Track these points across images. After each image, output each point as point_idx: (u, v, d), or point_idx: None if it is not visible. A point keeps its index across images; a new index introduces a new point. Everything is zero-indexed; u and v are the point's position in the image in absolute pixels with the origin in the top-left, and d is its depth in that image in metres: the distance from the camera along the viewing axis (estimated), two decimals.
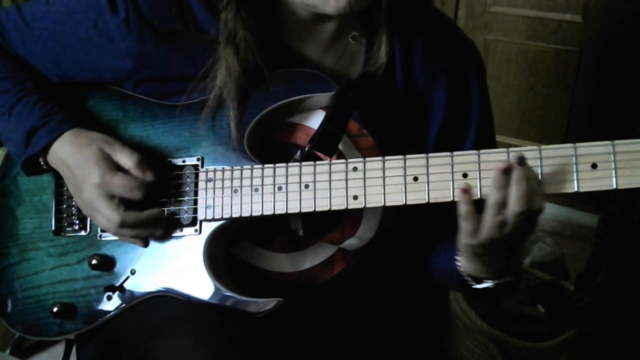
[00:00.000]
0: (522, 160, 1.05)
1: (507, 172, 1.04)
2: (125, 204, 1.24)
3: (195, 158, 1.28)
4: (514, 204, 1.05)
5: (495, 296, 1.27)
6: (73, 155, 1.26)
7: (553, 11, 3.10)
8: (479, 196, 1.10)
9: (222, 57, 1.23)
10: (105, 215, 1.25)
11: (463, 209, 1.09)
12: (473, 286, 1.24)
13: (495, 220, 1.08)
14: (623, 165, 1.05)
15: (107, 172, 1.23)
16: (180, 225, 1.28)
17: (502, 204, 1.06)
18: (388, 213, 1.31)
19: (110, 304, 1.32)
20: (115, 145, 1.26)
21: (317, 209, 1.18)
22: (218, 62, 1.23)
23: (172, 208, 1.28)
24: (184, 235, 1.28)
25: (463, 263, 1.23)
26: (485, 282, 1.22)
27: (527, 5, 3.15)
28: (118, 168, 1.25)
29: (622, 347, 2.28)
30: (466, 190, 1.07)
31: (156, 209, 1.26)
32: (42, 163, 1.33)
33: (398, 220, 1.34)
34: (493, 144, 1.36)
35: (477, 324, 2.32)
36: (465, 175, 1.10)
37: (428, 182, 1.12)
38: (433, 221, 1.35)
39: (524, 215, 1.06)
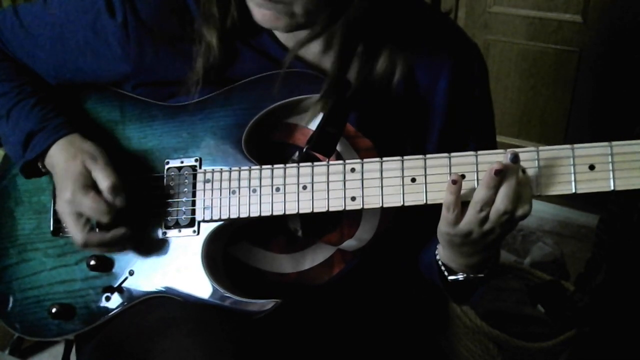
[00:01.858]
0: (515, 158, 1.06)
1: (499, 173, 1.05)
2: (92, 224, 1.25)
3: (193, 159, 1.28)
4: (499, 202, 1.06)
5: (466, 291, 1.29)
6: (60, 164, 1.27)
7: (553, 11, 3.10)
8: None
9: (202, 39, 1.24)
10: (70, 231, 1.26)
11: (448, 198, 1.09)
12: (447, 277, 1.25)
13: (477, 216, 1.08)
14: (621, 167, 1.04)
15: (80, 190, 1.23)
16: (178, 226, 1.28)
17: (488, 203, 1.07)
18: (387, 214, 1.31)
19: (109, 304, 1.32)
20: (98, 163, 1.26)
21: (315, 210, 1.18)
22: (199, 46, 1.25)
23: (169, 209, 1.29)
24: (182, 236, 1.28)
25: (440, 251, 1.24)
26: (458, 275, 1.24)
27: (527, 5, 3.15)
28: (95, 185, 1.25)
29: (622, 347, 2.28)
30: (455, 181, 1.07)
31: (122, 229, 1.26)
32: (40, 167, 1.33)
33: (397, 221, 1.34)
34: (494, 148, 1.36)
35: (477, 324, 2.33)
36: (463, 177, 1.10)
37: (426, 183, 1.12)
38: (431, 223, 1.35)
39: (507, 215, 1.07)
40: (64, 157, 1.26)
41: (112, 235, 1.25)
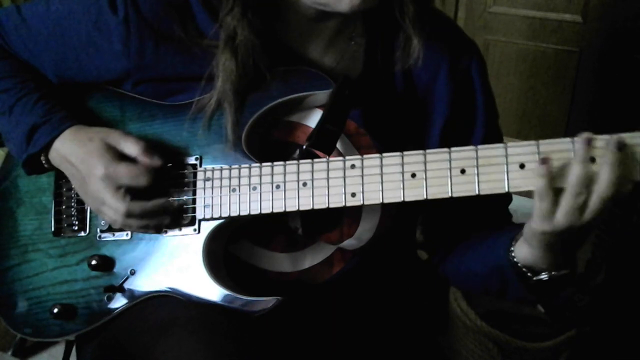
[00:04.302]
0: (622, 146, 0.97)
1: (590, 142, 0.98)
2: (132, 194, 1.24)
3: (193, 157, 1.28)
4: (605, 187, 0.97)
5: (549, 291, 1.20)
6: (76, 150, 1.26)
7: (553, 11, 3.11)
8: (477, 192, 1.09)
9: (220, 61, 1.23)
10: (111, 206, 1.24)
11: (540, 183, 1.00)
12: (533, 278, 1.16)
13: (575, 203, 0.99)
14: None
15: (111, 162, 1.23)
16: (179, 225, 1.28)
17: (584, 183, 0.98)
18: (387, 214, 1.31)
19: (111, 304, 1.32)
20: (119, 135, 1.26)
21: (316, 207, 1.17)
22: (217, 65, 1.23)
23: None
24: (182, 235, 1.28)
25: (523, 252, 1.16)
26: (541, 275, 1.16)
27: (527, 6, 3.15)
28: (122, 157, 1.25)
29: (622, 347, 2.28)
30: (546, 160, 1.00)
31: (162, 199, 1.26)
32: (43, 162, 1.33)
33: (397, 221, 1.34)
34: (500, 138, 1.36)
35: (477, 324, 2.32)
36: (463, 171, 1.09)
37: (426, 178, 1.11)
38: (441, 224, 1.35)
39: (612, 200, 0.98)
40: (78, 143, 1.27)
41: (153, 204, 1.25)
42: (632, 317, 2.27)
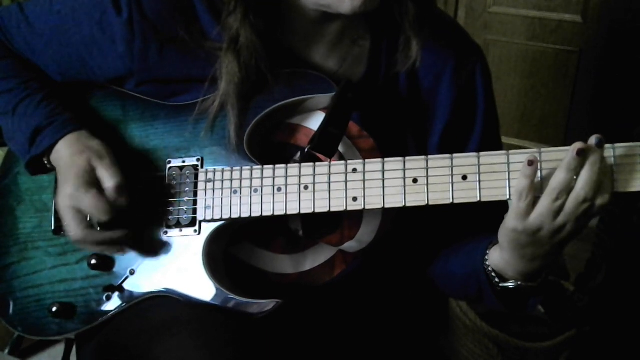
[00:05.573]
0: (601, 142, 1.00)
1: (582, 153, 0.99)
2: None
3: (195, 158, 1.28)
4: (580, 188, 1.00)
5: (514, 300, 1.23)
6: (65, 159, 1.27)
7: (553, 11, 3.11)
8: (478, 199, 1.09)
9: (223, 64, 1.22)
10: (68, 226, 1.25)
11: (522, 183, 1.03)
12: (499, 284, 1.19)
13: (552, 207, 1.02)
14: (621, 169, 1.04)
15: (82, 186, 1.23)
16: (179, 226, 1.28)
17: (565, 189, 1.01)
18: (388, 217, 1.31)
19: (110, 304, 1.32)
20: (104, 162, 1.26)
21: (317, 210, 1.18)
22: (220, 67, 1.23)
23: (170, 208, 1.28)
24: (183, 236, 1.28)
25: (495, 256, 1.18)
26: (508, 282, 1.18)
27: (527, 6, 3.16)
28: (98, 184, 1.25)
29: (622, 347, 2.29)
30: (532, 162, 1.02)
31: (120, 232, 1.26)
32: (45, 162, 1.33)
33: (398, 225, 1.34)
34: (499, 148, 1.35)
35: (477, 324, 2.33)
36: (465, 178, 1.09)
37: (427, 184, 1.12)
38: (436, 227, 1.35)
39: (587, 204, 1.01)
40: (70, 152, 1.26)
41: (109, 236, 1.26)
42: (632, 317, 2.27)
